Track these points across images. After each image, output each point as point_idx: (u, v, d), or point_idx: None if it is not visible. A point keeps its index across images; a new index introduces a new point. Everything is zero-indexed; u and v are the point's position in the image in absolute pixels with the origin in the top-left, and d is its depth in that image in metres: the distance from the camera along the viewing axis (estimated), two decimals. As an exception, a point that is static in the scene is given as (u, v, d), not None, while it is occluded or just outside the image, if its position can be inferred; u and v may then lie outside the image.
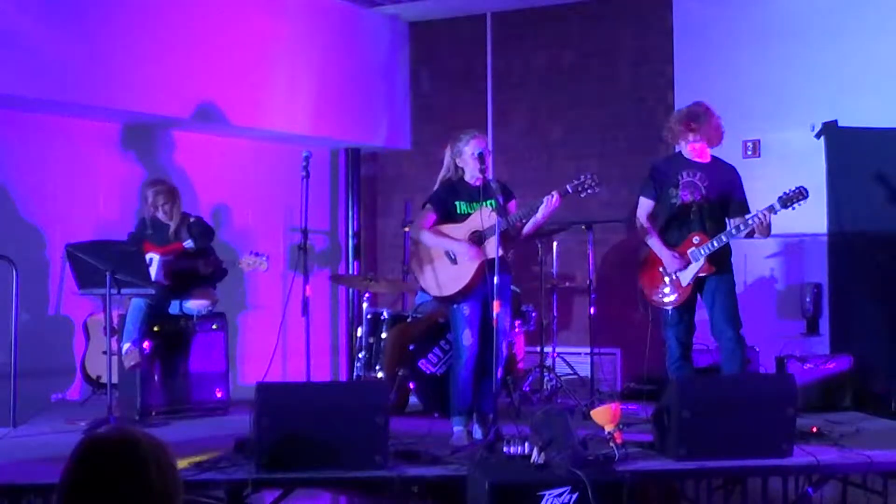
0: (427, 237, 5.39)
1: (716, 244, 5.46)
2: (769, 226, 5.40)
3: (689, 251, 5.53)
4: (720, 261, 5.54)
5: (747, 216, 5.46)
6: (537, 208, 5.17)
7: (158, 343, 6.29)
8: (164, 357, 6.31)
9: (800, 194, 5.31)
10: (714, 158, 5.68)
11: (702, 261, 5.49)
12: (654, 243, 5.60)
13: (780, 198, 5.33)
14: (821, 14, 7.34)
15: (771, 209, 5.33)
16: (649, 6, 8.16)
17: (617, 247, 8.23)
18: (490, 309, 5.12)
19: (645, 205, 5.69)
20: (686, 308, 5.60)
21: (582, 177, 5.22)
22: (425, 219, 5.41)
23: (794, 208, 5.32)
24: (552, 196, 5.13)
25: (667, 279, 5.57)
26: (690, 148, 5.60)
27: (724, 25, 7.70)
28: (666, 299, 5.60)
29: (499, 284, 4.98)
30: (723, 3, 7.78)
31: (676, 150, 5.80)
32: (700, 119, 5.55)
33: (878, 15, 7.17)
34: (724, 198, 5.59)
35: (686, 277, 5.53)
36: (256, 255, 6.38)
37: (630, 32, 8.25)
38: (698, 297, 5.61)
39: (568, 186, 5.21)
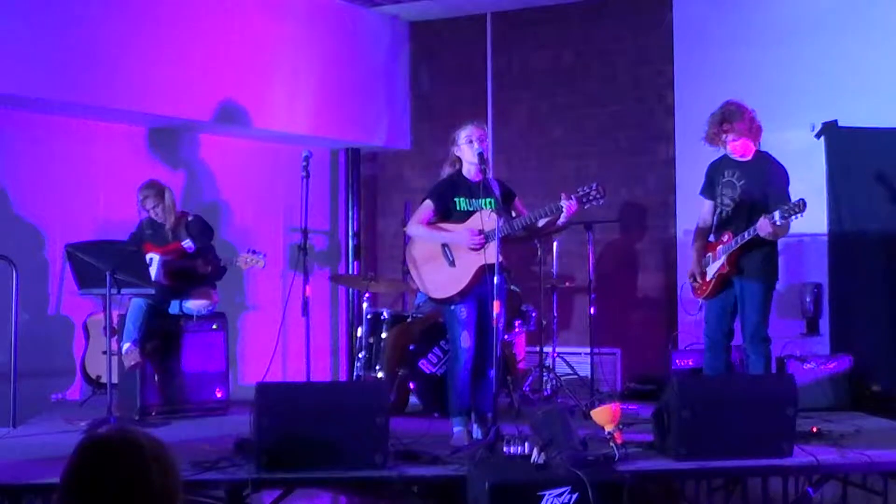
0: (422, 230, 5.35)
1: (733, 244, 5.53)
2: (777, 230, 5.40)
3: (717, 249, 5.64)
4: (747, 264, 5.55)
5: (752, 226, 5.44)
6: (550, 212, 5.12)
7: (158, 343, 6.29)
8: (163, 357, 6.31)
9: (798, 206, 5.28)
10: (758, 154, 5.70)
11: (721, 259, 5.58)
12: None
13: (780, 210, 5.31)
14: (821, 14, 7.34)
15: (772, 220, 5.33)
16: (649, 6, 8.16)
17: (616, 246, 8.23)
18: (486, 309, 5.11)
19: (705, 204, 5.84)
20: (716, 303, 5.70)
21: (587, 187, 5.15)
22: (423, 214, 5.37)
23: (794, 219, 5.33)
24: (571, 202, 5.06)
25: (696, 275, 5.77)
26: (731, 147, 5.68)
27: (724, 25, 7.70)
28: (695, 292, 5.85)
29: (496, 284, 4.97)
30: (723, 4, 7.78)
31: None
32: (733, 117, 5.61)
33: (878, 15, 7.17)
34: (760, 195, 5.58)
35: (709, 273, 5.69)
36: (254, 252, 6.42)
37: (630, 32, 8.25)
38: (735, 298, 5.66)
39: (574, 196, 5.15)
